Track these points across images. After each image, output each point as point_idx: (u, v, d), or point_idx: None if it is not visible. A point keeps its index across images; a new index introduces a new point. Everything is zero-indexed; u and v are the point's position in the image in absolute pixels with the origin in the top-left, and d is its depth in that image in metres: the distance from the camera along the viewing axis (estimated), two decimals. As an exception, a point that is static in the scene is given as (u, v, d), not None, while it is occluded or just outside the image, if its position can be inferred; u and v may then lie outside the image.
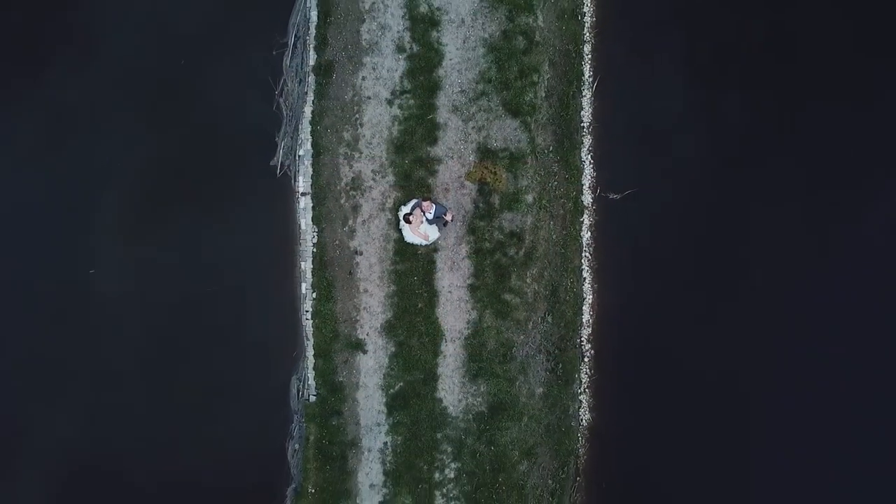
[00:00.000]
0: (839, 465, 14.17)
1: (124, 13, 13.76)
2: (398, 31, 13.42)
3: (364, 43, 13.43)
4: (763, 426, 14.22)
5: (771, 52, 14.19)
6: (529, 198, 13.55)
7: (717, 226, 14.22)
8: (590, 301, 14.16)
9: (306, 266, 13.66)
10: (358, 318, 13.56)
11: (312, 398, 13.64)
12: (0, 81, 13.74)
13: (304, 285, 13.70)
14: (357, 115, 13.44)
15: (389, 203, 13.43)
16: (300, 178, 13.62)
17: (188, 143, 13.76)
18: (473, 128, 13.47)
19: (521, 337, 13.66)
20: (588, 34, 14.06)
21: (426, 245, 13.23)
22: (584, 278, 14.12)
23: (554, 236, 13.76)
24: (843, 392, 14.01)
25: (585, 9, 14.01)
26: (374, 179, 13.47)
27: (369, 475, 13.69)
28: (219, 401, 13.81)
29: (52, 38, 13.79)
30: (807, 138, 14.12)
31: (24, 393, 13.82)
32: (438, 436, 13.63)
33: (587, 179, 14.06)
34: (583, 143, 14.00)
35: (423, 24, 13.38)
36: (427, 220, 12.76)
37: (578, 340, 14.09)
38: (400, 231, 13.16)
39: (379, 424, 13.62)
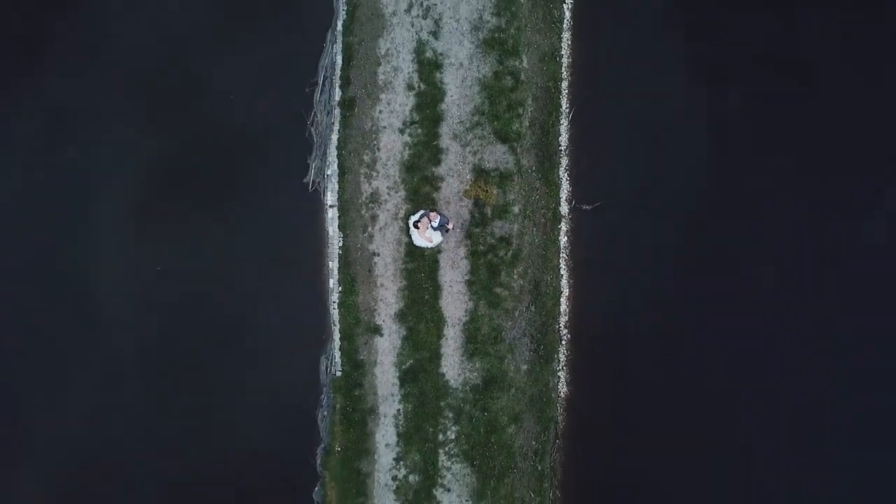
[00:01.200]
0: (799, 436, 16.79)
1: (180, 57, 16.74)
2: (408, 73, 16.39)
3: (380, 82, 16.40)
4: (721, 394, 16.87)
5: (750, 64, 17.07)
6: (516, 209, 16.51)
7: (675, 231, 17.08)
8: (566, 294, 17.09)
9: (333, 265, 16.65)
10: (375, 307, 16.54)
11: (338, 373, 16.62)
12: (57, 81, 16.72)
13: (331, 281, 16.69)
14: (374, 142, 16.42)
15: (401, 213, 16.40)
16: (328, 193, 16.61)
17: (235, 164, 16.73)
18: (470, 152, 16.42)
19: (510, 323, 16.62)
20: (565, 73, 16.98)
21: (431, 248, 16.21)
22: (562, 275, 17.05)
23: (536, 240, 16.70)
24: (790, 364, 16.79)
25: (563, 52, 16.94)
26: (388, 194, 16.45)
27: (385, 436, 16.67)
28: (260, 376, 16.77)
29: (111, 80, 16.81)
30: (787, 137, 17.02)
31: (72, 384, 16.82)
32: (441, 404, 16.59)
33: (564, 193, 16.99)
34: (560, 163, 16.92)
35: (428, 67, 16.34)
36: (432, 227, 15.76)
37: (557, 326, 17.02)
38: (410, 236, 16.15)
39: (393, 395, 16.60)
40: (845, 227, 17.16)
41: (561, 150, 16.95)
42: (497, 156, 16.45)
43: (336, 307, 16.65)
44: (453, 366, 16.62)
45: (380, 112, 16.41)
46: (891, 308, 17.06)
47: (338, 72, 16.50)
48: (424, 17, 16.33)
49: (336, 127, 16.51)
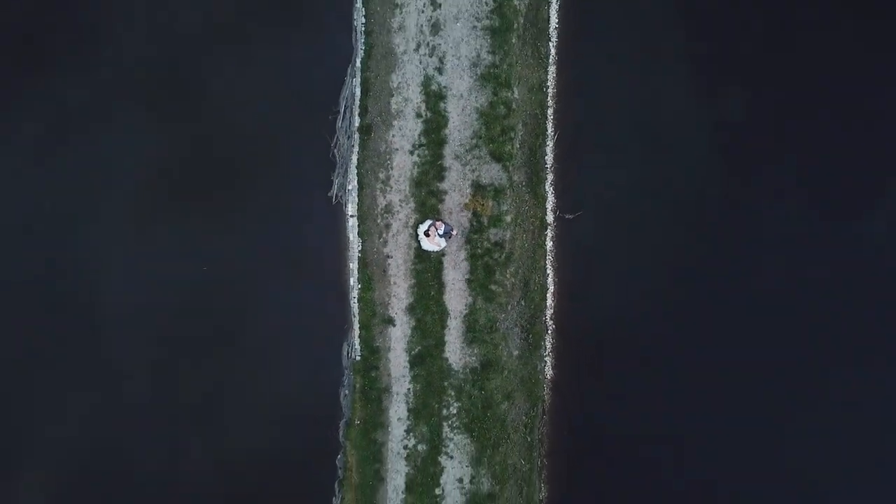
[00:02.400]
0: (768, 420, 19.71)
1: (223, 95, 19.66)
2: (417, 103, 19.33)
3: (393, 111, 19.35)
4: (687, 373, 19.68)
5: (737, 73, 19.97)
6: (508, 218, 19.44)
7: (647, 235, 19.96)
8: (552, 290, 20.02)
9: (354, 266, 19.61)
10: (389, 301, 19.49)
11: (358, 358, 19.58)
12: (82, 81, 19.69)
13: (352, 279, 19.65)
14: (388, 161, 19.37)
15: (411, 222, 19.35)
16: (349, 205, 19.57)
17: (269, 181, 19.65)
18: (469, 169, 19.35)
19: (503, 315, 19.56)
20: (550, 102, 19.90)
21: (437, 251, 19.15)
22: (548, 274, 19.97)
23: (526, 245, 19.63)
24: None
25: (549, 84, 19.85)
26: (400, 206, 19.40)
27: (397, 411, 19.63)
28: (291, 361, 19.70)
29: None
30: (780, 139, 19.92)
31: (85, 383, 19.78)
32: (445, 384, 19.54)
33: (549, 205, 19.90)
34: (546, 179, 19.84)
35: (434, 98, 19.27)
36: (438, 234, 18.70)
37: (543, 318, 19.95)
38: (419, 242, 19.09)
39: (404, 376, 19.55)
40: (842, 227, 19.87)
41: (547, 168, 19.86)
42: (492, 173, 19.38)
43: (356, 301, 19.61)
44: (455, 351, 19.55)
45: (393, 136, 19.35)
46: (888, 308, 19.86)
47: (357, 102, 19.43)
48: (430, 56, 19.27)
49: (355, 149, 19.45)
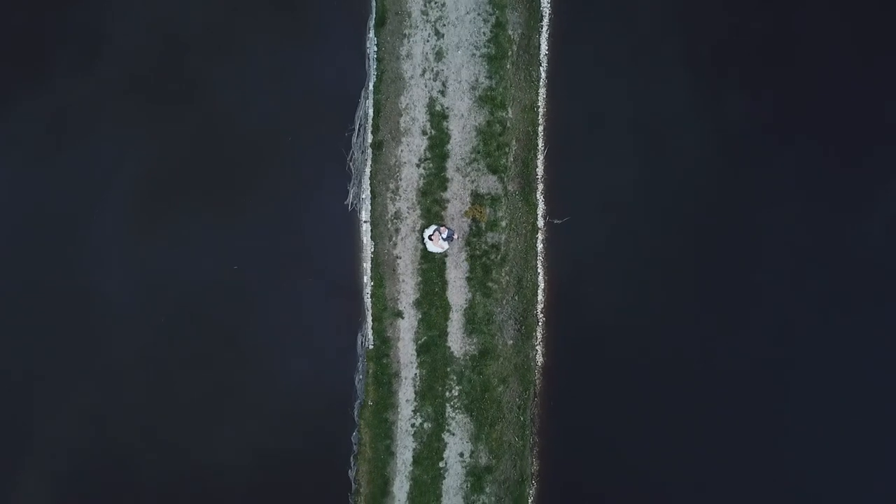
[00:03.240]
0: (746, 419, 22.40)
1: (250, 116, 22.27)
2: (423, 122, 21.92)
3: (402, 129, 21.94)
4: (664, 357, 22.40)
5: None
6: (503, 223, 22.04)
7: (629, 237, 22.56)
8: (542, 287, 22.62)
9: (367, 266, 22.22)
10: (398, 297, 22.11)
11: (371, 347, 22.20)
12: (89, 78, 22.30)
13: (365, 277, 22.26)
14: (397, 173, 21.97)
15: (417, 227, 21.96)
16: (363, 212, 22.18)
17: (292, 192, 22.24)
18: (469, 181, 21.95)
19: (499, 309, 22.16)
20: (541, 120, 22.48)
21: (440, 253, 21.75)
22: (539, 273, 22.57)
23: (519, 247, 22.23)
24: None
25: (539, 104, 22.43)
26: (407, 213, 22.01)
27: (405, 394, 22.25)
28: (313, 349, 22.30)
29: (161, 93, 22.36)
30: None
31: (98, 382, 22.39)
32: (447, 369, 22.16)
33: (540, 211, 22.49)
34: (537, 188, 22.44)
35: (438, 117, 21.87)
36: (441, 237, 21.31)
37: (535, 312, 22.55)
38: (424, 244, 21.69)
39: (411, 362, 22.17)
40: (842, 227, 22.47)
41: (538, 179, 22.46)
42: (489, 183, 21.99)
43: (369, 297, 22.23)
44: (456, 341, 22.17)
45: (401, 151, 21.96)
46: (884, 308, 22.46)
47: (370, 121, 22.03)
48: (434, 80, 21.87)
49: (368, 162, 22.06)
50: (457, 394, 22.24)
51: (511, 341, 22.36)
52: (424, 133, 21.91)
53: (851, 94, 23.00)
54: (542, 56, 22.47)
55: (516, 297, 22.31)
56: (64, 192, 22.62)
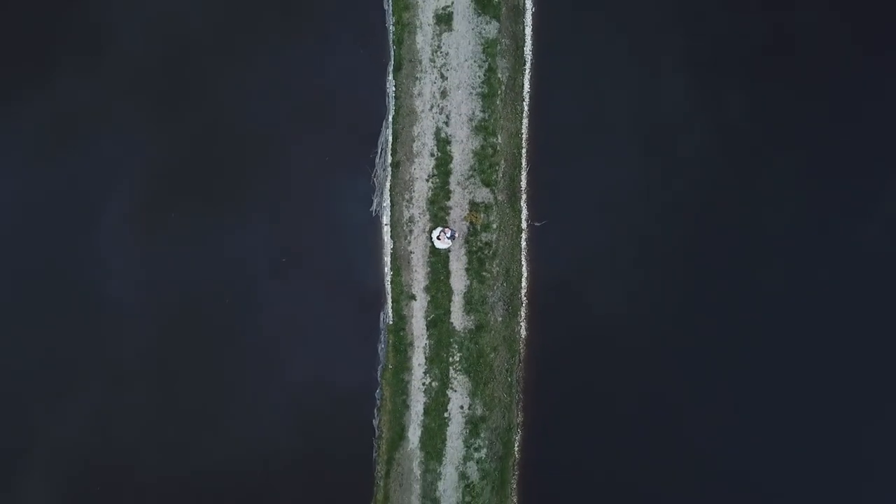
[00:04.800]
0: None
1: (278, 137, 28.36)
2: (431, 146, 27.96)
3: (414, 152, 27.99)
4: (629, 330, 28.48)
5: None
6: (494, 226, 28.09)
7: (600, 233, 28.58)
8: (525, 276, 28.66)
9: (387, 259, 28.32)
10: (411, 283, 28.19)
11: (390, 322, 28.30)
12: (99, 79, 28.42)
13: (386, 268, 28.36)
14: (411, 187, 28.04)
15: (426, 229, 28.00)
16: (384, 217, 28.26)
17: (325, 202, 28.30)
18: (467, 192, 28.00)
19: (490, 293, 28.23)
20: (525, 144, 28.48)
21: (445, 249, 27.85)
22: (523, 264, 28.61)
23: (507, 244, 28.29)
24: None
25: (523, 132, 28.43)
26: (419, 217, 28.07)
27: (417, 359, 28.33)
28: (345, 324, 28.38)
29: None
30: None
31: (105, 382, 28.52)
32: (450, 340, 28.25)
33: (524, 216, 28.52)
34: (521, 198, 28.46)
35: (443, 143, 27.90)
36: (446, 237, 27.41)
37: (519, 295, 28.60)
38: (432, 242, 27.78)
39: (422, 334, 28.26)
40: (841, 228, 28.02)
41: (522, 191, 28.49)
42: (483, 194, 28.03)
43: (388, 283, 28.35)
44: (458, 318, 28.27)
45: (414, 169, 28.03)
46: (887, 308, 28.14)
47: (389, 146, 28.10)
48: (440, 113, 27.90)
49: (388, 178, 28.15)
50: (458, 359, 28.33)
51: (500, 318, 28.43)
52: (432, 155, 27.96)
53: (851, 94, 27.98)
54: (525, 93, 28.48)
55: (505, 284, 28.37)
56: (80, 192, 27.54)
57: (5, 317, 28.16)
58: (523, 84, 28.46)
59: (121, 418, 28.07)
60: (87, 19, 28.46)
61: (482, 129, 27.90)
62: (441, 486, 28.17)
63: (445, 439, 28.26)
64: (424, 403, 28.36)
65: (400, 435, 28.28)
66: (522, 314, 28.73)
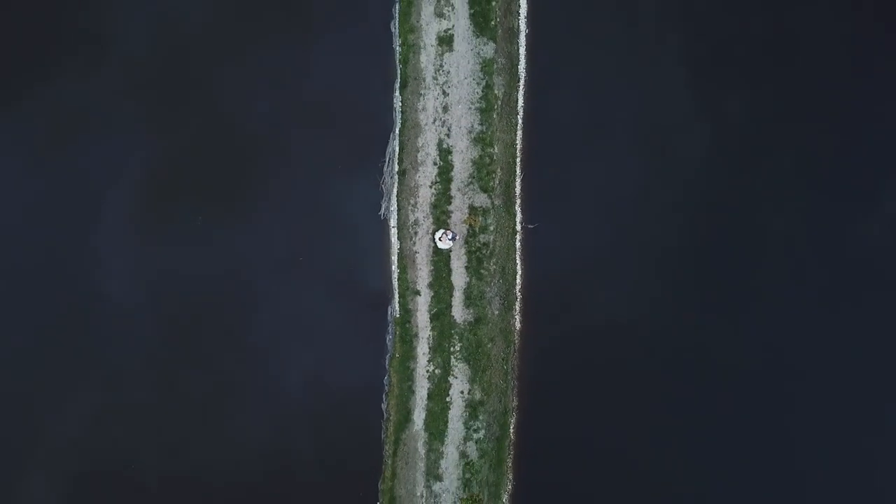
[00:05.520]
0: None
1: (296, 148, 31.30)
2: (434, 156, 30.89)
3: (419, 161, 30.92)
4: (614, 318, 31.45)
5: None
6: (491, 228, 31.03)
7: (585, 234, 31.52)
8: (519, 274, 31.60)
9: (394, 258, 31.26)
10: (416, 280, 31.12)
11: (397, 315, 31.21)
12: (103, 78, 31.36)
13: (393, 266, 31.29)
14: (416, 192, 30.96)
15: (430, 231, 30.94)
16: (391, 220, 31.19)
17: (340, 207, 31.24)
18: (466, 197, 30.93)
19: (488, 289, 31.16)
20: (519, 154, 31.40)
21: (447, 249, 30.80)
22: (517, 263, 31.56)
23: (502, 245, 31.23)
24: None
25: (517, 143, 31.36)
26: (423, 220, 30.99)
27: (422, 348, 31.23)
28: (356, 317, 31.31)
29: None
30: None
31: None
32: (452, 331, 31.17)
33: (518, 219, 31.45)
34: (516, 203, 31.39)
35: (444, 153, 30.83)
36: (447, 238, 30.36)
37: (514, 291, 31.54)
38: (435, 243, 30.72)
39: (426, 326, 31.20)
40: (840, 229, 30.67)
41: (516, 196, 31.43)
42: (481, 200, 30.98)
43: (396, 280, 31.28)
44: (458, 311, 31.21)
45: (419, 177, 30.96)
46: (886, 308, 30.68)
47: (396, 155, 31.03)
48: (442, 126, 30.84)
49: (395, 185, 31.09)
50: (458, 349, 31.27)
51: (497, 312, 31.37)
52: (435, 164, 30.90)
53: (852, 94, 30.32)
54: (519, 108, 31.43)
55: (501, 281, 31.31)
56: (82, 192, 29.73)
57: (6, 316, 30.38)
58: (517, 99, 31.40)
59: (148, 416, 30.72)
60: (96, 19, 30.79)
61: (480, 140, 30.83)
62: (443, 464, 31.13)
63: (447, 421, 31.19)
64: (428, 389, 31.28)
65: (406, 418, 31.20)
66: (517, 308, 31.65)
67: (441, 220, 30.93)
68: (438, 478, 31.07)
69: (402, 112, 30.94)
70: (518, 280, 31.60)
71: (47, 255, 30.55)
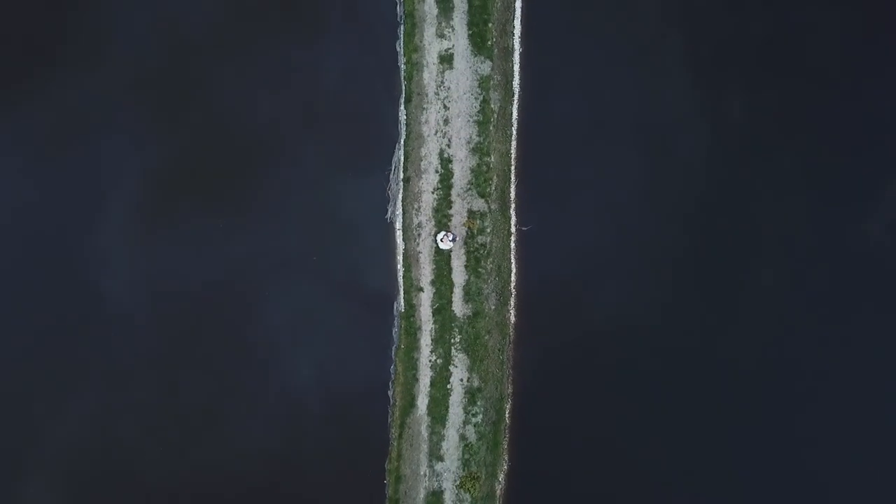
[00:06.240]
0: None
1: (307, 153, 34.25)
2: (435, 164, 33.83)
3: (422, 168, 33.83)
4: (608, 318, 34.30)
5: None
6: (488, 230, 33.96)
7: (574, 233, 34.42)
8: (514, 272, 34.50)
9: (400, 258, 34.19)
10: (420, 278, 34.03)
11: (402, 310, 34.12)
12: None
13: (398, 265, 34.22)
14: (419, 198, 33.89)
15: (432, 233, 33.84)
16: (397, 223, 34.14)
17: (350, 211, 34.16)
18: (465, 202, 33.84)
19: (485, 286, 34.08)
20: (514, 163, 34.29)
21: (448, 249, 33.73)
22: (512, 262, 34.45)
23: (498, 245, 34.14)
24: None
25: (512, 152, 34.26)
26: (426, 223, 33.91)
27: (425, 340, 34.09)
28: (366, 312, 34.22)
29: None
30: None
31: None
32: (452, 325, 34.04)
33: (512, 222, 34.34)
34: (511, 207, 34.29)
35: (445, 162, 33.75)
36: (448, 240, 33.30)
37: (509, 287, 34.43)
38: (437, 244, 33.65)
39: (429, 320, 34.09)
40: (840, 229, 32.60)
41: (511, 201, 34.33)
42: (479, 204, 33.90)
43: (401, 278, 34.21)
44: (458, 306, 34.13)
45: (422, 183, 33.90)
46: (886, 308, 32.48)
47: (401, 164, 33.97)
48: (443, 137, 33.77)
49: (401, 191, 34.04)
50: (458, 340, 34.19)
51: (494, 307, 34.30)
52: (437, 172, 33.84)
53: (852, 94, 32.00)
54: (514, 120, 34.36)
55: (497, 278, 34.24)
56: (84, 191, 31.31)
57: (7, 317, 31.86)
58: (512, 113, 34.33)
59: (158, 414, 32.99)
60: (97, 19, 32.64)
61: (478, 150, 33.75)
62: (445, 445, 34.04)
63: (448, 407, 34.10)
64: (431, 377, 34.20)
65: (411, 403, 34.11)
66: (512, 303, 34.54)
67: (442, 222, 33.85)
68: (440, 458, 33.99)
69: (406, 124, 33.85)
70: (513, 277, 34.48)
71: (48, 255, 32.09)
